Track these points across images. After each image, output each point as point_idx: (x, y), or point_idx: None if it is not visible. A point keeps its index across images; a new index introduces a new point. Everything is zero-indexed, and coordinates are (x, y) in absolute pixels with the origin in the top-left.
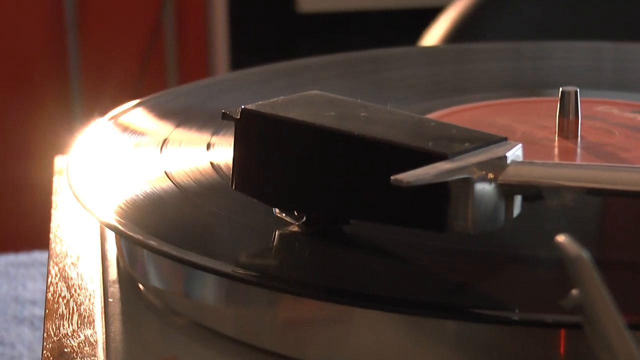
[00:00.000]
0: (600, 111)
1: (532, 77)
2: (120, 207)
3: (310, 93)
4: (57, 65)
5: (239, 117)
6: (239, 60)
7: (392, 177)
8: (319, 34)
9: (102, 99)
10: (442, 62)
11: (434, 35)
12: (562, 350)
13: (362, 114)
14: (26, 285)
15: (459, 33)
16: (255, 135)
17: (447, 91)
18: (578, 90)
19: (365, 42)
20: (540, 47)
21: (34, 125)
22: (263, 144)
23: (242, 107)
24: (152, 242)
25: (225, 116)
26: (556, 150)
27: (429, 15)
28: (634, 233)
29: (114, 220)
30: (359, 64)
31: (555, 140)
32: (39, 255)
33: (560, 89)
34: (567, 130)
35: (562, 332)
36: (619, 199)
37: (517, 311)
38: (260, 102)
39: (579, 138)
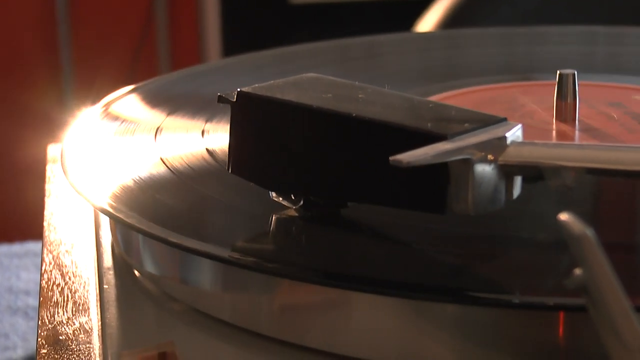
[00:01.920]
0: (597, 94)
1: (525, 61)
2: (116, 194)
3: (307, 75)
4: (48, 53)
5: (235, 99)
6: (231, 52)
7: (391, 158)
8: (311, 26)
9: (94, 87)
10: (435, 48)
11: (427, 23)
12: (562, 333)
13: (360, 96)
14: (20, 275)
15: (452, 22)
16: (251, 118)
17: (441, 77)
18: (576, 72)
19: (359, 34)
20: (532, 33)
21: (25, 114)
22: (260, 126)
23: (239, 89)
24: (149, 228)
25: (221, 99)
26: (554, 133)
27: (422, 7)
28: (635, 214)
29: (109, 206)
30: (352, 50)
31: (553, 123)
32: (32, 246)
33: (558, 72)
34: (565, 113)
35: (562, 314)
36: (619, 180)
37: (517, 294)
38: (256, 85)
39: (577, 121)
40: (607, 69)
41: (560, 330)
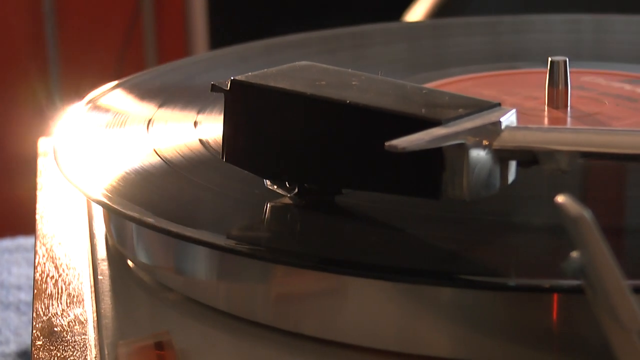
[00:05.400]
0: (587, 81)
1: (514, 50)
2: (109, 184)
3: (300, 63)
4: (35, 48)
5: (228, 88)
6: (218, 46)
7: (387, 143)
8: (299, 18)
9: (81, 81)
10: (423, 37)
11: (415, 14)
12: (558, 315)
13: (354, 83)
14: (11, 270)
15: (440, 12)
16: (245, 106)
17: (429, 66)
18: (567, 59)
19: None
20: (518, 21)
21: (12, 109)
22: (254, 114)
23: (232, 78)
24: (144, 218)
25: (214, 88)
26: (546, 120)
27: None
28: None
29: (104, 197)
30: (339, 40)
31: (545, 111)
32: (23, 241)
33: (549, 59)
34: (557, 100)
35: (556, 296)
36: (614, 163)
37: (513, 277)
38: (250, 73)
39: (569, 108)
40: (594, 56)
41: (555, 312)
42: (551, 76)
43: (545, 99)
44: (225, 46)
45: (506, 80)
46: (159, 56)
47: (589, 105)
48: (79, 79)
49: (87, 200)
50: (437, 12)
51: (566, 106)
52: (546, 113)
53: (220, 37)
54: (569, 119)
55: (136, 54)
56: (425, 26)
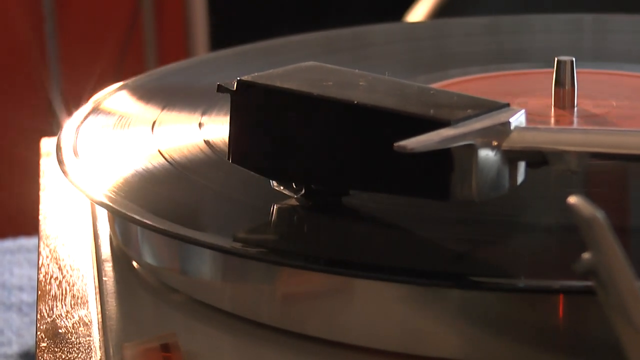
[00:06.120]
0: (591, 81)
1: (515, 50)
2: (113, 186)
3: (306, 64)
4: (35, 49)
5: (235, 89)
6: (218, 47)
7: (396, 144)
8: (298, 19)
9: (81, 81)
10: (425, 38)
11: (417, 14)
12: (565, 316)
13: (361, 83)
14: (13, 271)
15: (442, 12)
16: (251, 106)
17: (431, 67)
18: (574, 59)
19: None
20: (519, 21)
21: (12, 110)
22: (260, 115)
23: (238, 78)
24: (149, 220)
25: (220, 88)
26: (553, 120)
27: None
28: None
29: (107, 199)
30: (341, 41)
31: (551, 111)
32: (24, 241)
33: (556, 59)
34: (564, 100)
35: (565, 298)
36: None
37: (522, 278)
38: (256, 74)
39: (576, 108)
40: (596, 56)
41: (563, 313)
42: (557, 76)
43: (551, 99)
44: (225, 46)
45: (510, 80)
46: (159, 56)
47: (596, 105)
48: (79, 79)
49: (92, 202)
50: (438, 13)
51: (573, 106)
52: (553, 113)
53: (220, 37)
54: (576, 120)
55: (136, 54)
56: (426, 27)
